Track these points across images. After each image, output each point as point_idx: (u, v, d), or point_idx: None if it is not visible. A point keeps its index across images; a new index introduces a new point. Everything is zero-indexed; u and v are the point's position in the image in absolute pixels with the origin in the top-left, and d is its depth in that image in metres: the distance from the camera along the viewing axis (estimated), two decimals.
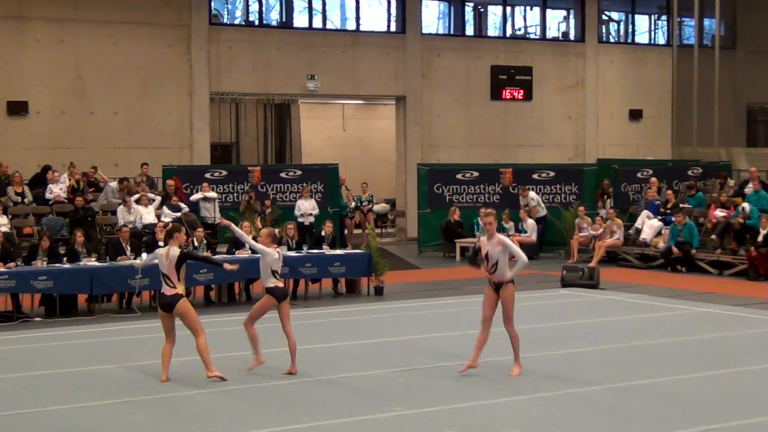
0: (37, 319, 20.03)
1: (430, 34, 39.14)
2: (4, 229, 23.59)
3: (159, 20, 33.48)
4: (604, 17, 43.22)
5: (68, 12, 32.14)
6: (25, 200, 27.42)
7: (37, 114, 31.78)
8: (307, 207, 29.45)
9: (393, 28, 38.30)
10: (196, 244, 22.18)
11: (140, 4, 33.20)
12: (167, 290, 13.80)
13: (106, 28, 32.66)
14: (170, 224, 15.10)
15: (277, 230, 16.25)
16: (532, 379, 13.79)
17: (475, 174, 32.92)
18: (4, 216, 25.51)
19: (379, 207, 37.19)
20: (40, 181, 28.46)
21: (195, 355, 13.92)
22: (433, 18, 40.34)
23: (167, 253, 13.86)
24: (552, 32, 41.85)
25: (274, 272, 14.32)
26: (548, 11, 41.52)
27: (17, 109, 31.38)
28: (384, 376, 13.98)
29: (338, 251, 23.80)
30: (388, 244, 34.59)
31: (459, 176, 32.87)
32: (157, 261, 14.06)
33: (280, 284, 14.44)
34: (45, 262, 20.40)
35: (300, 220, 28.63)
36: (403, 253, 32.14)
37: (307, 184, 30.79)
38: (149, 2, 33.37)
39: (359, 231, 32.96)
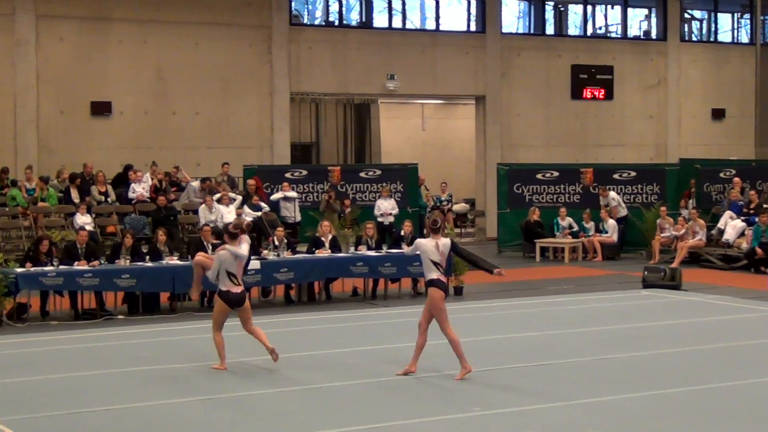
0: (120, 317, 20.23)
1: (509, 33, 38.97)
2: (89, 227, 23.88)
3: (240, 21, 33.69)
4: (687, 16, 42.75)
5: (150, 13, 32.45)
6: (109, 199, 27.75)
7: (121, 114, 32.12)
8: (386, 207, 29.47)
9: (473, 28, 38.19)
10: (276, 243, 22.27)
11: (221, 5, 33.44)
12: (235, 288, 14.38)
13: (188, 29, 32.93)
14: (231, 225, 15.29)
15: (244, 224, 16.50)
16: (612, 380, 13.68)
17: (555, 174, 32.72)
18: (88, 215, 25.89)
19: (459, 207, 37.11)
20: (122, 181, 28.78)
21: (267, 354, 14.07)
22: (512, 17, 40.18)
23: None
24: (633, 31, 41.49)
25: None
26: (629, 10, 41.16)
27: (101, 109, 31.73)
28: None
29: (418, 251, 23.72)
30: (467, 243, 34.46)
31: (539, 176, 32.68)
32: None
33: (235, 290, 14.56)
34: (128, 261, 20.60)
35: (379, 219, 28.66)
36: (482, 253, 31.79)
37: (387, 184, 30.80)
38: (230, 3, 33.59)
39: None
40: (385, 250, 23.37)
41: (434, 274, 14.00)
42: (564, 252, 30.57)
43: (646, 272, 24.45)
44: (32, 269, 19.64)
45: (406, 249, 23.17)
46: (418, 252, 14.22)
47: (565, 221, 31.20)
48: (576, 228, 31.22)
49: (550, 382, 13.60)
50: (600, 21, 41.53)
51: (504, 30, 38.50)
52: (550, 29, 40.14)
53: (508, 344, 16.59)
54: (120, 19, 32.05)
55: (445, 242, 14.18)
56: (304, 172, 31.30)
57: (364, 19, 36.87)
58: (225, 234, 15.06)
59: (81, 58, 31.53)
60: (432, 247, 14.03)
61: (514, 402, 12.41)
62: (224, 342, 14.61)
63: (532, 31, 39.75)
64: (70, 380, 13.96)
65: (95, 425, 11.53)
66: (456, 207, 35.64)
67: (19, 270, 19.51)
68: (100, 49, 31.83)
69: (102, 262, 20.47)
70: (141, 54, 32.34)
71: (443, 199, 33.28)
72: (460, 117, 43.71)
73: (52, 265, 19.86)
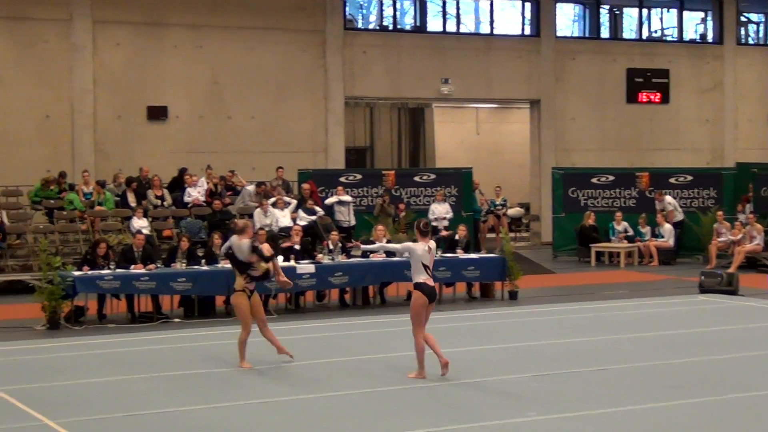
0: (176, 320, 20.33)
1: (564, 37, 38.80)
2: (145, 231, 24.04)
3: (294, 25, 33.78)
4: (743, 19, 42.36)
5: (205, 18, 32.62)
6: (165, 203, 27.91)
7: (176, 119, 32.31)
8: (440, 211, 29.42)
9: (527, 32, 38.06)
10: (331, 247, 22.29)
11: (276, 10, 33.55)
12: (429, 280, 14.21)
13: (242, 34, 33.07)
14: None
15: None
16: (668, 385, 13.55)
17: (611, 178, 32.54)
18: (145, 219, 26.05)
19: (514, 211, 37.03)
20: (178, 185, 28.94)
21: (327, 357, 14.04)
22: (567, 21, 40.02)
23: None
24: (689, 34, 41.17)
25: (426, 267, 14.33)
26: (685, 13, 40.85)
27: (157, 114, 31.94)
28: (519, 381, 13.88)
29: (472, 255, 23.71)
30: (522, 248, 34.34)
31: (594, 180, 32.51)
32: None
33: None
34: (184, 264, 20.71)
35: (434, 223, 28.60)
36: (537, 257, 31.89)
37: (441, 188, 30.75)
38: (284, 8, 33.70)
39: (493, 235, 32.86)
40: (439, 254, 23.29)
41: (422, 277, 14.12)
42: (620, 256, 30.38)
43: (702, 277, 24.23)
44: (90, 272, 19.80)
45: (460, 253, 23.31)
46: (406, 254, 14.38)
47: (621, 226, 31.00)
48: (631, 232, 31.01)
49: (605, 387, 13.51)
50: (656, 24, 41.24)
51: (558, 34, 38.34)
52: (605, 33, 39.94)
53: (563, 349, 16.49)
54: (175, 24, 32.25)
55: (433, 245, 14.46)
56: (359, 176, 31.32)
57: (418, 24, 36.85)
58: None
59: (137, 63, 31.76)
60: (423, 250, 14.19)
61: (569, 407, 12.33)
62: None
63: (587, 35, 39.56)
64: (126, 383, 14.04)
65: (150, 428, 11.58)
66: (510, 211, 35.55)
67: (77, 273, 19.68)
68: (155, 54, 32.04)
69: (158, 265, 20.60)
70: (196, 59, 32.52)
71: (498, 203, 33.20)
72: (514, 121, 43.57)
73: (109, 268, 20.02)
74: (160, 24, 32.11)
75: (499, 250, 25.15)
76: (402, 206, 29.15)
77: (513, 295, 23.14)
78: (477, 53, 36.78)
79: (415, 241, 14.52)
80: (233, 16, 32.94)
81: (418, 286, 14.06)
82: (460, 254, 23.35)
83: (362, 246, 16.21)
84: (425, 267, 14.11)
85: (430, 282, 14.19)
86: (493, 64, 36.97)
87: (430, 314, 14.31)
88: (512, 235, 35.05)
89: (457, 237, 24.16)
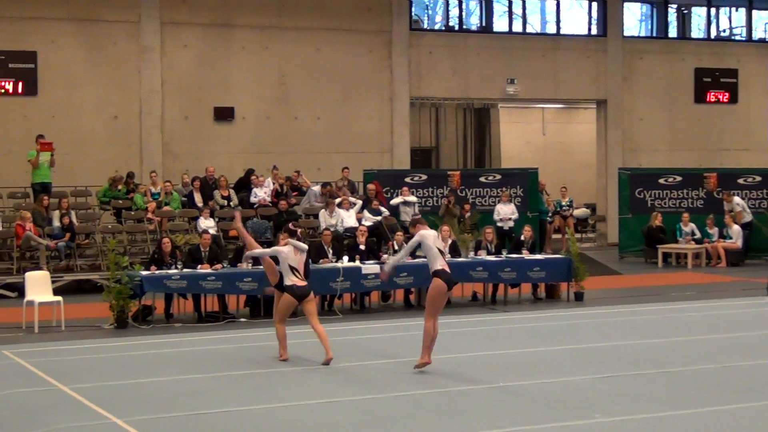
0: (243, 319, 20.43)
1: (631, 36, 38.54)
2: (212, 231, 24.18)
3: (360, 26, 33.85)
4: None
5: (272, 19, 32.79)
6: (231, 203, 28.06)
7: (243, 119, 32.50)
8: (506, 211, 29.32)
9: (594, 31, 37.85)
10: (396, 248, 22.27)
11: (342, 11, 33.64)
12: (300, 282, 15.23)
13: (309, 35, 33.19)
14: (291, 223, 15.96)
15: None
16: (737, 388, 13.38)
17: (678, 179, 32.28)
18: (211, 219, 26.21)
19: (580, 212, 36.82)
20: (244, 185, 29.09)
21: (392, 357, 14.02)
22: (634, 20, 39.76)
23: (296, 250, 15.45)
24: (758, 33, 40.69)
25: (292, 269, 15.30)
26: (754, 12, 40.39)
27: (224, 114, 32.15)
28: (584, 383, 13.79)
29: (538, 256, 23.62)
30: (588, 249, 34.17)
31: (661, 181, 32.27)
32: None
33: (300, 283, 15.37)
34: (250, 264, 20.78)
35: (499, 224, 28.54)
36: (603, 258, 31.71)
37: (507, 189, 30.64)
38: (351, 9, 33.77)
39: (559, 236, 32.70)
40: (504, 255, 23.26)
41: (439, 264, 14.46)
42: (687, 258, 30.11)
43: None
44: (157, 272, 19.96)
45: (526, 254, 23.22)
46: (418, 243, 14.76)
47: (688, 227, 30.73)
48: (698, 234, 30.73)
49: (673, 389, 13.37)
50: (724, 23, 40.83)
51: (626, 33, 38.08)
52: (672, 32, 39.61)
53: (630, 351, 16.35)
54: (242, 25, 32.44)
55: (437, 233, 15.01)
56: (424, 177, 31.32)
57: (484, 24, 36.78)
58: (285, 230, 15.85)
59: (204, 64, 31.99)
60: (434, 237, 14.71)
61: (636, 409, 12.22)
62: (286, 334, 15.54)
63: (654, 35, 39.26)
64: (193, 382, 14.13)
65: (216, 427, 11.63)
66: (576, 212, 35.36)
67: (145, 273, 19.85)
68: (223, 55, 32.25)
69: (225, 265, 20.70)
70: (263, 60, 32.69)
71: (564, 204, 33.03)
72: (581, 121, 43.37)
73: (177, 268, 20.17)
74: (228, 25, 32.31)
75: (565, 251, 25.00)
76: (467, 207, 29.08)
77: (579, 297, 23.02)
78: (543, 53, 36.64)
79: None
80: (300, 17, 33.07)
81: (437, 274, 14.37)
82: (526, 255, 23.28)
83: (390, 264, 16.29)
84: (441, 252, 14.57)
85: (447, 268, 14.51)
86: (560, 64, 36.80)
87: (429, 302, 14.60)
88: (578, 236, 34.85)
89: (522, 238, 24.10)
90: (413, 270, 21.48)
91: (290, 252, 15.44)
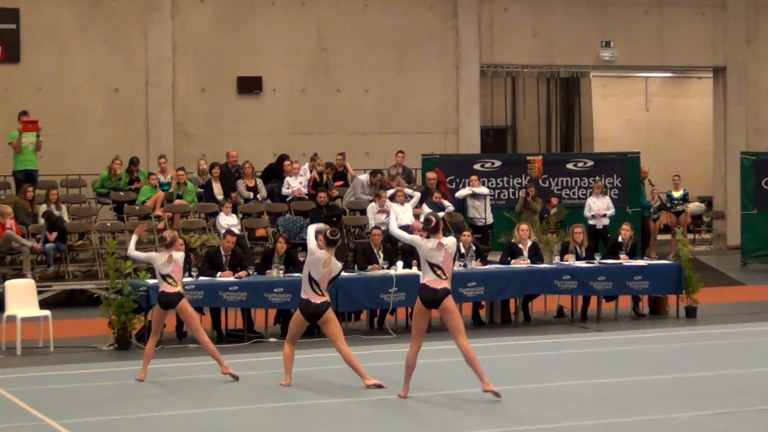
0: (272, 339, 20.51)
1: None
2: (235, 230, 24.27)
3: None
4: None
5: None
6: (258, 196, 28.14)
7: (273, 92, 32.57)
8: (600, 206, 29.23)
9: None
10: (462, 251, 22.26)
11: None
12: (315, 298, 15.72)
13: None
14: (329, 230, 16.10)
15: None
16: None
17: None
18: (234, 215, 26.24)
19: (693, 206, 36.64)
20: (275, 174, 29.16)
21: (459, 387, 14.04)
22: None
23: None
24: None
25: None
26: None
27: (249, 86, 32.22)
28: (696, 420, 13.76)
29: (640, 262, 23.55)
30: (702, 253, 34.02)
31: None
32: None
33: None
34: (281, 271, 20.85)
35: (591, 222, 28.48)
36: (722, 265, 31.57)
37: (601, 178, 30.56)
38: None
39: (666, 236, 32.57)
40: (598, 260, 23.21)
41: (427, 278, 14.77)
42: None
43: None
44: None
45: (624, 259, 23.16)
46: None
47: None
48: None
49: None
50: None
51: None
52: None
53: (753, 381, 16.28)
54: None
55: (449, 243, 14.94)
56: (498, 163, 31.30)
57: None
58: (325, 238, 15.96)
59: (225, 24, 32.10)
60: (432, 247, 14.80)
61: None
62: (293, 356, 15.99)
63: None
64: (213, 416, 14.21)
65: None
66: (689, 207, 35.21)
67: (152, 282, 19.91)
68: (248, 13, 32.31)
69: (250, 272, 20.78)
70: (298, 19, 32.72)
71: (676, 196, 32.83)
72: (693, 95, 43.22)
73: (191, 275, 20.22)
74: None
75: (674, 256, 24.92)
76: (554, 200, 28.82)
77: (690, 313, 22.96)
78: (647, 10, 36.46)
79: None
80: None
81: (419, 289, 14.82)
82: (625, 260, 23.21)
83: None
84: (433, 267, 14.68)
85: (435, 284, 14.68)
86: (667, 24, 36.60)
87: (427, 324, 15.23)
88: (690, 236, 34.70)
89: (620, 239, 24.01)
90: (484, 279, 21.52)
91: (319, 260, 15.61)
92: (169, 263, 16.47)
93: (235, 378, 16.32)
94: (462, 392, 15.02)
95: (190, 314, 16.84)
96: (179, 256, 16.71)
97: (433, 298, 14.65)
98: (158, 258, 16.68)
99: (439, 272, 14.61)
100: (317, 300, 15.59)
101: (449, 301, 14.70)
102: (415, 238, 15.04)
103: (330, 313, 15.78)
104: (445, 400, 14.85)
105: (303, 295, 15.64)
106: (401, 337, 20.57)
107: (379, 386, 15.40)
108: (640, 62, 37.54)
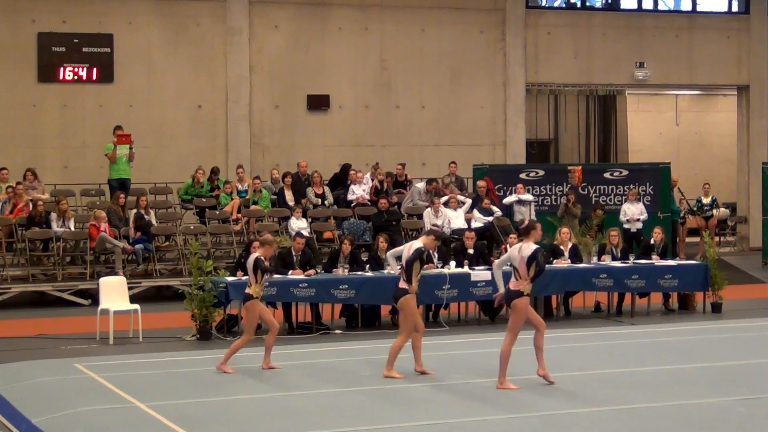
0: (338, 331, 20.54)
1: None
2: (305, 233, 24.30)
3: (471, 4, 33.76)
4: None
5: None
6: (326, 202, 28.19)
7: (339, 109, 32.60)
8: (634, 211, 29.02)
9: (735, 8, 37.32)
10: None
11: None
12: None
13: (413, 14, 33.19)
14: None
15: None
16: None
17: None
18: (304, 219, 26.32)
19: (719, 212, 36.35)
20: (340, 182, 29.20)
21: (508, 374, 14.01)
22: None
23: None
24: None
25: None
26: None
27: (318, 103, 32.25)
28: (722, 405, 13.64)
29: (670, 262, 23.41)
30: (727, 254, 33.76)
31: None
32: None
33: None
34: (346, 270, 20.87)
35: (626, 226, 28.28)
36: (745, 265, 31.33)
37: (635, 186, 30.36)
38: None
39: (695, 239, 32.34)
40: (632, 260, 23.09)
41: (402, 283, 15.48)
42: None
43: None
44: (244, 278, 20.05)
45: (656, 260, 23.02)
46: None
47: None
48: None
49: None
50: None
51: None
52: None
53: None
54: (339, 4, 32.52)
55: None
56: (541, 173, 31.15)
57: (610, 0, 36.48)
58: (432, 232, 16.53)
59: (297, 48, 32.15)
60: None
61: None
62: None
63: None
64: (284, 400, 14.22)
65: None
66: (714, 212, 34.93)
67: (230, 279, 19.98)
68: (317, 38, 32.35)
69: (318, 271, 20.82)
70: (362, 42, 32.74)
71: (706, 202, 32.57)
72: (720, 110, 42.86)
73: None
74: (323, 4, 32.41)
75: (701, 257, 24.71)
76: (599, 212, 28.37)
77: (716, 308, 22.80)
78: (677, 33, 36.22)
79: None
80: None
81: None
82: (656, 261, 23.09)
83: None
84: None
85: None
86: (696, 46, 36.35)
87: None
88: (716, 239, 34.44)
89: (652, 241, 23.89)
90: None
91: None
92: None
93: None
94: (513, 379, 14.96)
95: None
96: None
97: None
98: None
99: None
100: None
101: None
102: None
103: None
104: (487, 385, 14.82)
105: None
106: (454, 330, 20.57)
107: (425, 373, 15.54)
108: (671, 81, 37.28)
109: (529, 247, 14.51)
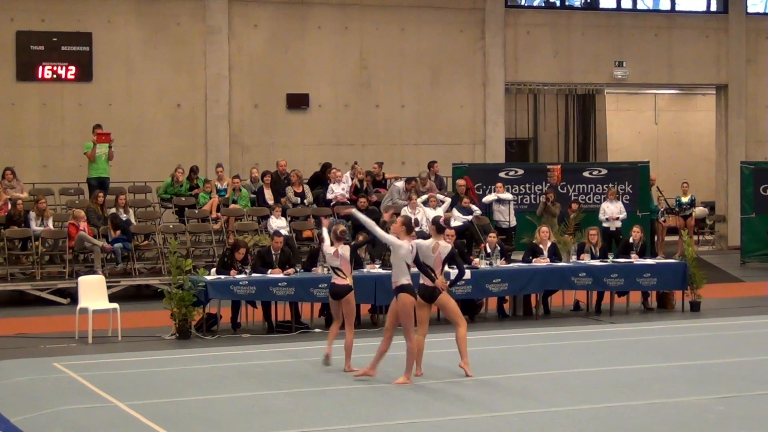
0: (317, 330, 20.49)
1: (757, 13, 38.07)
2: (284, 232, 24.30)
3: (450, 3, 33.78)
4: None
5: None
6: (305, 201, 28.18)
7: (319, 107, 32.59)
8: (613, 210, 29.10)
9: (713, 8, 37.43)
10: (488, 250, 22.26)
11: None
12: (339, 280, 16.00)
13: (393, 13, 33.20)
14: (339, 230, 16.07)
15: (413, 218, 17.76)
16: None
17: None
18: (283, 218, 26.32)
19: (697, 211, 36.46)
20: (319, 181, 29.19)
21: (486, 374, 13.98)
22: None
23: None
24: None
25: (409, 267, 15.05)
26: None
27: (298, 102, 32.24)
28: (701, 404, 13.68)
29: (649, 260, 23.45)
30: (705, 253, 33.87)
31: None
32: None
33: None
34: (326, 269, 20.84)
35: (605, 225, 28.36)
36: (723, 263, 31.42)
37: (614, 185, 30.45)
38: None
39: (673, 238, 32.41)
40: (611, 259, 23.13)
41: (405, 279, 14.84)
42: None
43: None
44: (223, 277, 20.07)
45: (635, 258, 23.05)
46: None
47: None
48: None
49: None
50: None
51: (750, 10, 37.61)
52: None
53: (752, 368, 16.18)
54: (319, 3, 32.52)
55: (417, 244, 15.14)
56: (521, 172, 31.22)
57: (589, 0, 36.54)
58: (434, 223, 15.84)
59: (277, 47, 32.13)
60: (407, 249, 14.91)
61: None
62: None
63: None
64: (264, 399, 14.21)
65: None
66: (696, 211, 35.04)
67: (209, 278, 19.98)
68: (297, 37, 32.35)
69: (298, 270, 20.80)
70: (342, 41, 32.74)
71: (684, 201, 32.65)
72: (698, 109, 42.99)
73: (245, 272, 20.25)
74: (303, 3, 32.40)
75: (680, 255, 24.74)
76: (575, 206, 28.51)
77: (695, 306, 22.85)
78: (656, 32, 36.31)
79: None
80: None
81: (403, 289, 14.86)
82: (635, 259, 23.12)
83: (356, 212, 16.79)
84: (410, 267, 14.93)
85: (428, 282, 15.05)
86: (675, 45, 36.45)
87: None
88: (694, 238, 34.53)
89: (631, 240, 23.93)
90: (508, 276, 21.52)
91: (428, 248, 15.28)
92: (336, 257, 16.06)
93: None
94: (493, 378, 14.97)
95: (350, 309, 16.26)
96: (345, 250, 16.17)
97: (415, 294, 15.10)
98: (328, 249, 16.32)
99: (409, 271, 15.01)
100: (341, 282, 16.02)
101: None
102: (391, 238, 15.26)
103: (350, 296, 16.10)
104: (476, 384, 14.82)
105: (421, 281, 15.29)
106: (432, 328, 20.56)
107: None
108: (650, 80, 37.38)
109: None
